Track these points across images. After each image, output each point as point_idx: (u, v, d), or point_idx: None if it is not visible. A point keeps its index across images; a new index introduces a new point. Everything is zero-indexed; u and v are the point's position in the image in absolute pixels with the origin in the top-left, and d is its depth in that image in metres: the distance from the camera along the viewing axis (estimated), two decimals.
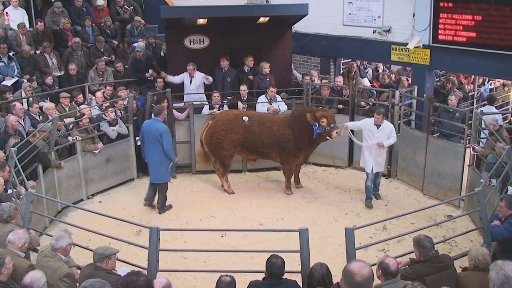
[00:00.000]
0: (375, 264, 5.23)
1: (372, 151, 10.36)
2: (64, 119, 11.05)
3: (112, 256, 5.85)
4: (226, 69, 12.71)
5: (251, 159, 11.49)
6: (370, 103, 12.51)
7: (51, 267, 5.81)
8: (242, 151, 11.20)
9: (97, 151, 11.12)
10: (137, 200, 11.07)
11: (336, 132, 10.45)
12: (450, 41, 11.37)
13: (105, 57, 13.84)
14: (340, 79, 12.84)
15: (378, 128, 10.20)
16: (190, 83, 12.54)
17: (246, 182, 11.98)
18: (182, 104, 12.43)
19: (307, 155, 11.36)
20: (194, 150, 12.15)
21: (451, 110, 11.02)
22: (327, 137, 10.62)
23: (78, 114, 11.22)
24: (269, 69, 12.59)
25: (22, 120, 10.41)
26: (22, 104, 11.08)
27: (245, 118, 10.95)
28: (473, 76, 14.50)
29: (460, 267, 6.51)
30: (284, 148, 10.83)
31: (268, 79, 12.53)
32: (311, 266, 5.61)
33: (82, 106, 11.56)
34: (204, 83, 12.61)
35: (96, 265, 5.76)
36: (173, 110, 11.98)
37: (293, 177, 11.40)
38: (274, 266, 5.59)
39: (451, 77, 13.83)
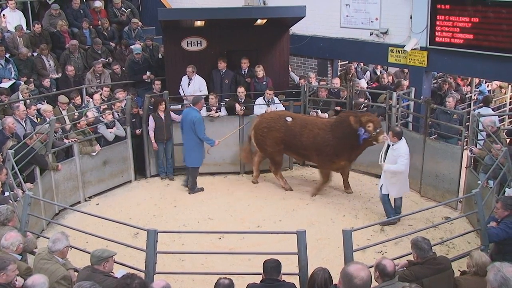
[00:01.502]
0: (373, 266, 5.23)
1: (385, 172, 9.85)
2: (65, 121, 11.05)
3: (110, 258, 5.84)
4: (223, 71, 12.71)
5: (297, 159, 11.87)
6: (368, 105, 12.49)
7: (48, 269, 5.80)
8: (286, 150, 11.40)
9: (94, 153, 11.12)
10: (134, 202, 11.07)
11: (384, 137, 10.00)
12: (447, 43, 11.38)
13: (102, 59, 13.82)
14: (337, 81, 12.86)
15: (392, 146, 9.68)
16: (188, 85, 12.54)
17: (243, 184, 11.97)
18: (179, 107, 12.42)
19: (350, 161, 11.05)
20: None
21: (448, 112, 11.02)
22: (374, 142, 10.25)
23: (76, 116, 11.20)
24: (263, 72, 12.57)
25: (23, 122, 10.40)
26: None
27: (289, 119, 11.11)
28: (469, 78, 14.51)
29: (459, 270, 6.51)
30: (322, 152, 10.75)
31: (264, 82, 12.53)
32: (311, 270, 5.58)
33: (89, 114, 11.49)
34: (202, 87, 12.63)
35: (93, 268, 5.75)
36: (170, 112, 11.96)
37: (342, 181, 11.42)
38: (269, 266, 5.63)
39: (448, 78, 13.84)
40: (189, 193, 11.39)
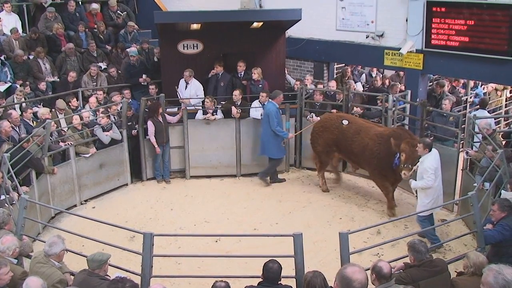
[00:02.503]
0: (369, 269, 5.23)
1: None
2: (60, 125, 11.04)
3: (108, 261, 5.85)
4: (220, 74, 12.71)
5: (351, 165, 11.70)
6: (364, 108, 12.51)
7: (44, 273, 5.78)
8: (338, 152, 11.25)
9: (88, 155, 11.06)
10: (130, 205, 11.05)
11: (404, 173, 9.33)
12: (443, 46, 11.40)
13: (99, 63, 13.78)
14: (333, 84, 12.87)
15: (420, 159, 8.93)
16: (185, 89, 12.54)
17: (240, 186, 11.96)
18: (176, 109, 12.41)
19: (394, 181, 10.36)
20: (188, 155, 12.14)
21: (444, 114, 11.04)
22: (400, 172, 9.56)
23: (74, 119, 11.18)
24: (258, 75, 12.57)
25: (17, 128, 10.36)
26: (14, 109, 11.03)
27: (345, 122, 10.89)
28: (462, 80, 14.53)
29: (455, 271, 6.52)
30: (370, 163, 10.45)
31: (261, 85, 12.53)
32: (306, 273, 5.56)
33: (84, 114, 11.48)
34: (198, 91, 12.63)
35: (89, 271, 5.74)
36: (166, 115, 11.94)
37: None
38: (270, 271, 5.59)
39: (441, 80, 13.77)
40: (258, 177, 11.99)
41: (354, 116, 11.60)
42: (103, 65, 13.95)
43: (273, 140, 11.60)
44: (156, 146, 11.71)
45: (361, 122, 11.01)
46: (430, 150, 8.79)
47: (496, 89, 15.38)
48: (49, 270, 5.84)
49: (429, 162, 8.70)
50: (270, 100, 11.64)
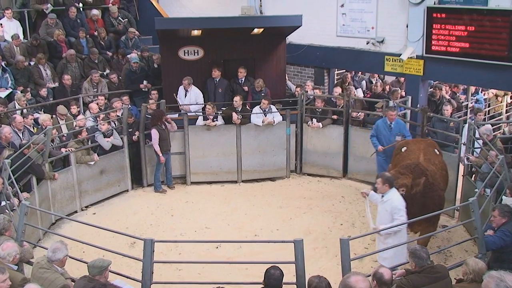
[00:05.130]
0: (370, 275, 5.22)
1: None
2: (61, 131, 11.05)
3: (108, 267, 5.85)
4: (217, 80, 12.73)
5: None
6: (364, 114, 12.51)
7: (47, 278, 5.79)
8: None
9: (92, 163, 11.09)
10: (131, 211, 11.04)
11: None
12: (444, 52, 11.42)
13: (101, 72, 13.79)
14: (338, 90, 12.85)
15: (382, 198, 7.77)
16: (185, 96, 12.56)
17: (240, 193, 11.96)
18: (176, 115, 12.43)
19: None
20: (189, 161, 12.14)
21: (445, 120, 11.04)
22: None
23: (75, 126, 11.18)
24: (261, 87, 12.60)
25: (20, 133, 10.37)
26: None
27: (404, 149, 9.36)
28: (461, 86, 14.54)
29: (455, 278, 6.50)
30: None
31: (263, 93, 12.55)
32: (310, 277, 5.54)
33: (79, 117, 11.52)
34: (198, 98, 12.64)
35: (90, 278, 5.73)
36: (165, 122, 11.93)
37: None
38: (272, 277, 5.58)
39: (439, 84, 13.72)
40: None
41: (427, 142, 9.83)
42: (105, 74, 13.95)
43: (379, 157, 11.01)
44: (160, 154, 11.59)
45: (417, 150, 9.16)
46: (391, 186, 7.60)
47: (497, 95, 15.40)
48: (52, 276, 5.84)
49: (398, 199, 7.54)
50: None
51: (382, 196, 7.64)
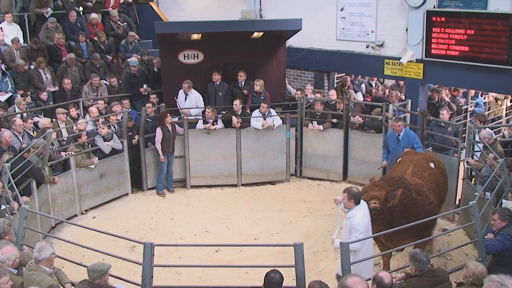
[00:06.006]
0: (370, 279, 5.22)
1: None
2: (62, 135, 11.05)
3: (108, 271, 5.84)
4: (218, 83, 12.75)
5: None
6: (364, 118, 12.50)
7: (34, 280, 5.79)
8: None
9: (93, 166, 11.10)
10: (131, 215, 11.03)
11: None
12: (443, 55, 11.44)
13: (102, 79, 13.78)
14: (333, 93, 12.89)
15: (346, 214, 7.25)
16: (185, 100, 12.57)
17: (240, 196, 11.95)
18: (176, 119, 12.43)
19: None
20: (189, 164, 12.14)
21: (443, 124, 11.02)
22: None
23: (75, 130, 11.19)
24: (260, 87, 12.60)
25: (20, 136, 10.38)
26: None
27: (432, 165, 8.84)
28: (462, 90, 14.55)
29: (455, 282, 6.50)
30: None
31: (262, 97, 12.55)
32: (311, 282, 5.54)
33: (80, 121, 11.52)
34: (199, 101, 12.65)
35: (89, 281, 5.72)
36: (176, 125, 11.96)
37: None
38: (272, 281, 5.56)
39: (438, 87, 13.71)
40: None
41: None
42: (106, 79, 13.93)
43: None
44: (160, 153, 11.68)
45: (421, 169, 8.72)
46: (358, 203, 7.09)
47: (497, 99, 15.40)
48: (39, 277, 5.83)
49: (359, 218, 6.98)
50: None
51: (348, 211, 7.10)
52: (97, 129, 11.44)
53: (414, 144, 10.23)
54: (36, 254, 5.98)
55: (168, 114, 11.66)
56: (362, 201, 7.14)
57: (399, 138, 10.39)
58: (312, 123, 12.41)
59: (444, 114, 11.17)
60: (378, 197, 7.39)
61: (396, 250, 7.67)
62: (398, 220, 7.43)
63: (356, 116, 12.23)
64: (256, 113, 12.15)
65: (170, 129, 11.66)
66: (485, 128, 9.90)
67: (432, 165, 8.82)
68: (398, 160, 9.19)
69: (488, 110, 15.33)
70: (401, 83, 13.72)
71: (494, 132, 10.14)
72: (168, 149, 11.75)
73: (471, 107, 14.79)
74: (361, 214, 7.02)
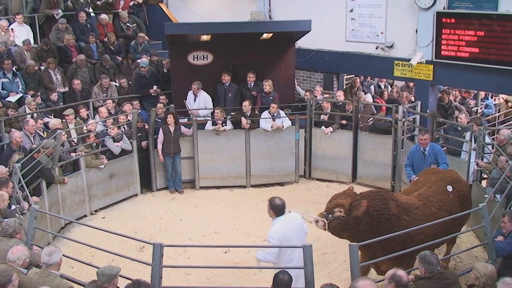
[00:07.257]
0: (379, 281, 5.20)
1: None
2: (71, 135, 11.11)
3: (118, 274, 5.84)
4: (227, 85, 12.77)
5: None
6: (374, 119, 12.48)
7: (51, 284, 5.76)
8: None
9: (102, 166, 11.14)
10: (140, 216, 11.06)
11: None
12: (453, 57, 11.39)
13: (109, 79, 13.80)
14: (340, 94, 12.86)
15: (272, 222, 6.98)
16: (194, 101, 12.59)
17: (249, 197, 11.95)
18: (185, 120, 12.46)
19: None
20: (198, 165, 12.16)
21: (459, 129, 10.91)
22: None
23: (85, 130, 11.23)
24: (269, 87, 12.59)
25: (32, 137, 10.43)
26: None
27: (449, 188, 8.06)
28: (472, 91, 14.48)
29: (466, 284, 6.46)
30: None
31: (271, 97, 12.55)
32: (317, 285, 5.52)
33: (90, 121, 11.57)
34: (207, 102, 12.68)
35: (98, 285, 5.71)
36: (181, 126, 12.00)
37: None
38: (281, 283, 5.55)
39: (448, 89, 13.62)
40: None
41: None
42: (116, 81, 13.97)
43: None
44: (160, 153, 11.79)
45: (430, 193, 7.94)
46: (278, 214, 6.78)
47: (507, 100, 15.32)
48: (54, 282, 5.81)
49: (273, 231, 6.71)
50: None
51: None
52: (107, 130, 11.49)
53: (439, 159, 9.33)
54: (47, 258, 5.95)
55: (169, 115, 11.69)
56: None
57: (425, 153, 9.42)
58: (323, 126, 12.38)
59: (462, 118, 10.98)
60: (342, 205, 6.98)
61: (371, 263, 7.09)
62: (367, 234, 6.93)
63: (370, 118, 12.21)
64: (265, 114, 12.15)
65: (171, 130, 11.68)
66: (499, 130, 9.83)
67: (449, 188, 7.98)
68: (415, 179, 8.65)
69: (498, 111, 15.25)
70: (411, 84, 13.68)
71: None
72: (168, 150, 11.77)
73: (480, 109, 14.72)
74: (276, 227, 6.68)
